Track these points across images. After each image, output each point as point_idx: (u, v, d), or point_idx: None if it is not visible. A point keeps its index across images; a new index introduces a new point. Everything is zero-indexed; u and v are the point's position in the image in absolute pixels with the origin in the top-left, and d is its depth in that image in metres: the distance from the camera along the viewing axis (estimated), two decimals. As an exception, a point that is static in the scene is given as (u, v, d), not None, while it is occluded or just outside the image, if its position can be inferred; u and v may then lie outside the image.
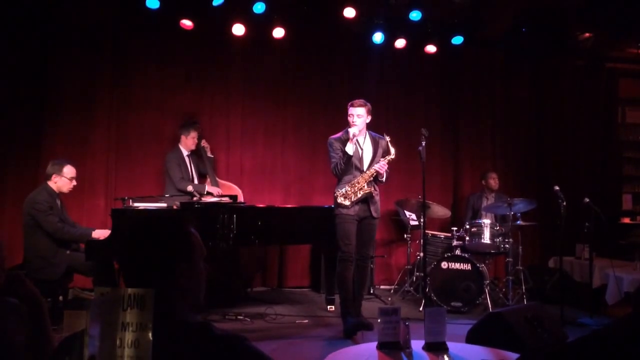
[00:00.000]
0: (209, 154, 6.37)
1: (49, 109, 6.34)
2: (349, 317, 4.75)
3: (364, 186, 4.76)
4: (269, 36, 6.71)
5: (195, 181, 6.17)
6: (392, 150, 4.78)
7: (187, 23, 6.40)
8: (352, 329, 4.67)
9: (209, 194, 5.82)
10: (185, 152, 6.14)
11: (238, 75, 6.97)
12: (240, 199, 6.18)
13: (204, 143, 6.33)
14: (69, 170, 4.96)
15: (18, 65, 6.18)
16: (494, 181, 6.88)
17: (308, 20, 6.87)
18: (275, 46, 6.89)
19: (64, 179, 4.94)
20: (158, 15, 6.30)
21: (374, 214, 4.86)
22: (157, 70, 6.68)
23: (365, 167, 4.85)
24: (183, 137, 6.15)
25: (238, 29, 6.53)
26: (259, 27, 6.66)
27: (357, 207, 4.79)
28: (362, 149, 4.87)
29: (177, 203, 5.39)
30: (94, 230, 4.99)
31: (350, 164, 4.78)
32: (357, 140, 4.80)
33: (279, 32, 6.68)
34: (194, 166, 6.22)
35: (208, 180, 6.22)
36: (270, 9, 6.44)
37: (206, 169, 6.25)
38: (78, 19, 6.33)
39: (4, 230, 6.00)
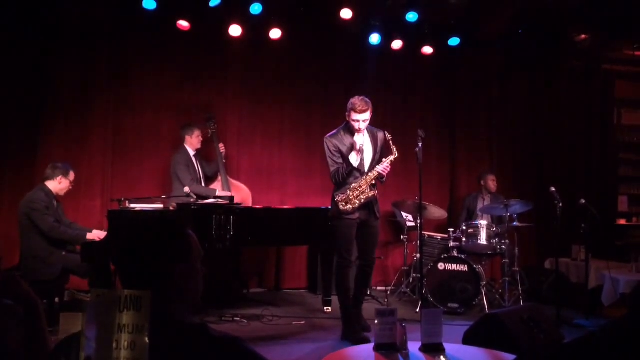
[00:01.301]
0: (223, 159, 6.25)
1: (46, 110, 6.33)
2: (353, 326, 4.63)
3: (366, 190, 4.52)
4: (266, 37, 6.70)
5: (203, 181, 6.16)
6: (395, 150, 4.54)
7: (184, 24, 6.39)
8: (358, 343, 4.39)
9: (219, 197, 5.70)
10: (191, 152, 6.11)
11: (235, 76, 6.96)
12: (249, 201, 6.18)
13: (222, 148, 6.22)
14: (72, 175, 5.10)
15: (15, 65, 6.16)
16: (493, 183, 6.89)
17: (305, 21, 6.88)
18: (272, 47, 6.89)
19: (67, 182, 5.05)
20: (155, 16, 6.30)
21: (377, 215, 4.68)
22: (154, 71, 6.67)
23: (366, 167, 4.60)
24: (188, 137, 6.07)
25: (235, 30, 6.52)
26: (256, 28, 6.66)
27: (359, 212, 4.57)
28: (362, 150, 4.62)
29: (174, 204, 5.38)
30: (90, 231, 4.99)
31: (351, 174, 4.55)
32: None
33: (275, 33, 6.68)
34: (199, 166, 6.21)
35: (219, 178, 6.19)
36: (267, 10, 6.43)
37: (218, 171, 6.18)
38: (75, 20, 6.32)
39: (1, 231, 5.98)
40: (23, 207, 4.82)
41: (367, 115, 4.49)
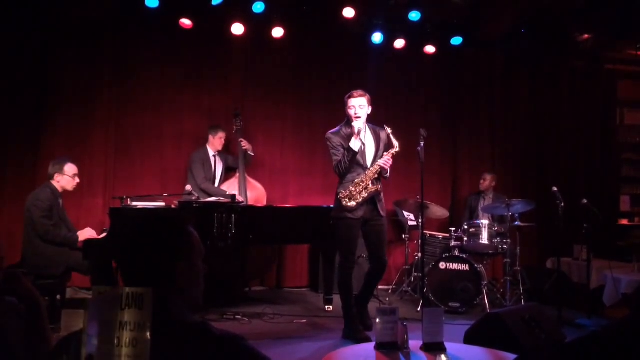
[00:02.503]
0: (251, 153, 6.26)
1: (48, 108, 6.34)
2: (354, 325, 4.60)
3: (369, 185, 4.49)
4: (268, 36, 6.71)
5: (217, 181, 6.19)
6: (396, 143, 4.51)
7: (186, 22, 6.40)
8: (359, 341, 4.33)
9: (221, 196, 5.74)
10: (211, 152, 6.17)
11: (237, 74, 6.97)
12: (264, 200, 6.20)
13: (244, 144, 6.18)
14: (70, 168, 4.99)
15: (17, 64, 6.17)
16: (483, 182, 6.90)
17: (307, 20, 6.87)
18: (275, 46, 6.89)
19: (66, 177, 4.96)
20: (157, 15, 6.30)
21: (382, 212, 4.62)
22: (157, 70, 6.68)
23: (368, 163, 4.56)
24: (210, 137, 6.18)
25: (237, 29, 6.53)
26: (258, 26, 6.66)
27: (363, 209, 4.53)
28: (364, 144, 4.57)
29: (176, 202, 5.39)
30: (77, 233, 4.94)
31: (353, 162, 4.51)
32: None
33: (278, 32, 6.68)
34: (220, 166, 6.23)
35: (236, 175, 6.20)
36: (270, 9, 6.44)
37: (237, 166, 6.22)
38: (77, 18, 6.33)
39: (3, 229, 5.99)
40: (28, 204, 4.81)
41: (362, 101, 4.52)
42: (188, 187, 5.75)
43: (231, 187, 6.11)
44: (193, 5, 6.40)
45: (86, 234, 4.92)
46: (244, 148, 6.20)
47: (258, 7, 6.35)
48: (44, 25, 6.23)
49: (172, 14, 6.36)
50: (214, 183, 6.13)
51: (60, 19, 6.30)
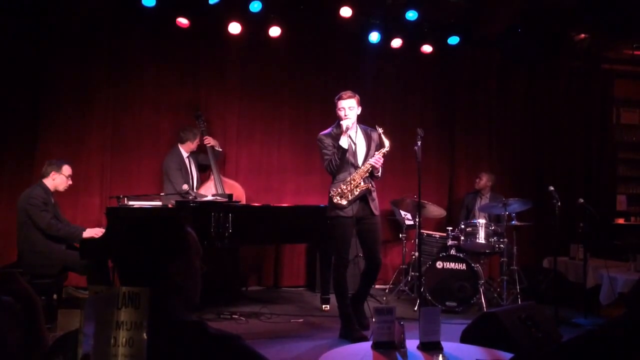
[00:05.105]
0: (218, 148, 6.28)
1: (45, 107, 6.31)
2: (351, 325, 4.62)
3: (360, 183, 4.55)
4: (266, 35, 6.70)
5: (196, 182, 6.15)
6: (386, 142, 4.59)
7: (183, 21, 6.39)
8: (356, 341, 4.37)
9: (217, 195, 5.72)
10: (185, 154, 6.12)
11: (234, 74, 6.95)
12: (243, 199, 6.17)
13: (208, 141, 6.18)
14: (67, 169, 5.02)
15: (14, 63, 6.15)
16: (479, 181, 6.91)
17: (304, 19, 6.87)
18: (272, 45, 6.88)
19: (62, 177, 4.99)
20: (154, 14, 6.29)
21: (374, 211, 4.66)
22: (153, 69, 6.66)
23: (359, 162, 4.64)
24: (189, 142, 6.09)
25: (234, 28, 6.52)
26: (256, 25, 6.66)
27: (354, 207, 4.58)
28: (354, 144, 4.66)
29: (173, 201, 5.38)
30: (84, 229, 4.96)
31: (344, 160, 4.57)
32: (348, 134, 4.59)
33: (275, 31, 6.67)
34: (194, 164, 6.20)
35: (211, 178, 6.18)
36: (267, 8, 6.43)
37: (211, 166, 6.20)
38: (74, 16, 6.30)
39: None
40: (21, 203, 4.82)
41: (351, 103, 4.59)
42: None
43: (208, 189, 6.07)
44: (190, 4, 6.38)
45: (92, 231, 4.93)
46: (210, 145, 6.19)
47: (255, 6, 6.34)
48: (40, 24, 6.21)
49: (169, 13, 6.35)
50: (192, 185, 6.08)
51: (57, 18, 6.28)
